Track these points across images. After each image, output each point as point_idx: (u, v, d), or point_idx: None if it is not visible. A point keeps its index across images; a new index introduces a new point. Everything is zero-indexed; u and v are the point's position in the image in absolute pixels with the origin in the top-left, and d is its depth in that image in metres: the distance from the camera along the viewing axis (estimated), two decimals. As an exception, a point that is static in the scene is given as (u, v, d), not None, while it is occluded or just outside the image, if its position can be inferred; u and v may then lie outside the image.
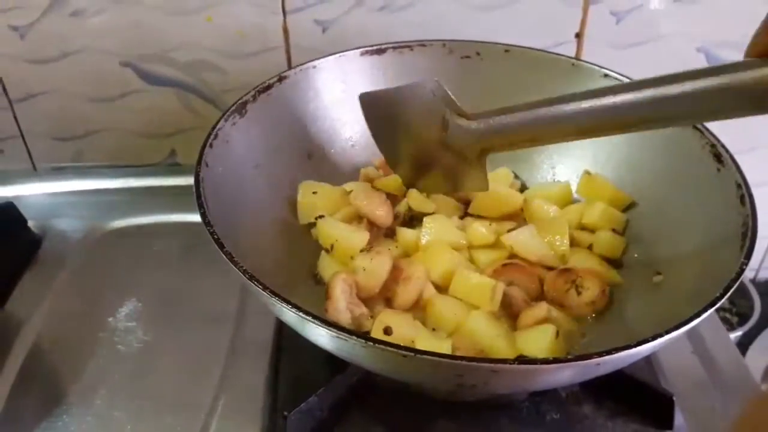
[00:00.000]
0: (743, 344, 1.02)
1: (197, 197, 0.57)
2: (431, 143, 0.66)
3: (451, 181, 0.68)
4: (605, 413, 0.61)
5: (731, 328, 1.05)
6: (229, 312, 0.75)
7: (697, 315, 0.47)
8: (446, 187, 0.70)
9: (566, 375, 0.47)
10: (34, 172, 0.97)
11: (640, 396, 0.60)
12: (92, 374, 0.69)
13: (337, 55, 0.77)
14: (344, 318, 0.59)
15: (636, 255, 0.69)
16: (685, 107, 0.50)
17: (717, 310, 0.50)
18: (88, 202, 0.92)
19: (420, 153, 0.68)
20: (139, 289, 0.78)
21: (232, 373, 0.69)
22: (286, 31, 0.87)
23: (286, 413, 0.57)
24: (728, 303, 1.10)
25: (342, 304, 0.59)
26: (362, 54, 0.78)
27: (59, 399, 0.66)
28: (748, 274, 1.13)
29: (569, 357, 0.43)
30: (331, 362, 0.61)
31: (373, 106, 0.70)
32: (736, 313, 1.09)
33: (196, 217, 0.55)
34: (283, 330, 0.70)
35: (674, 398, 0.59)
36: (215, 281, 0.78)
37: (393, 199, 0.73)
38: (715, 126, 0.66)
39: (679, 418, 0.61)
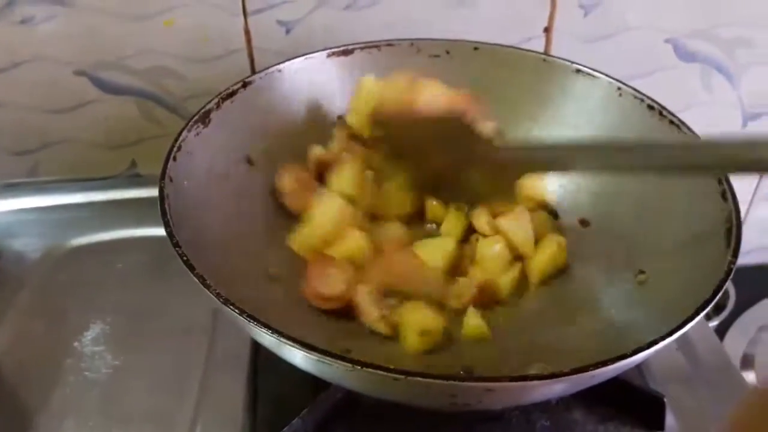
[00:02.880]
0: (719, 332, 1.03)
1: (162, 215, 0.54)
2: (457, 163, 0.65)
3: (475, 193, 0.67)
4: (596, 418, 0.60)
5: (708, 317, 1.06)
6: (201, 326, 0.72)
7: (690, 319, 0.46)
8: (468, 198, 0.69)
9: (560, 388, 0.46)
10: (-13, 188, 0.92)
11: (631, 399, 0.59)
12: (60, 403, 0.65)
13: (303, 57, 0.75)
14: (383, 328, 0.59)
15: (617, 252, 0.67)
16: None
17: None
18: (47, 219, 0.88)
19: (443, 170, 0.66)
20: (105, 309, 0.74)
21: (209, 393, 0.66)
22: (247, 33, 0.84)
23: (267, 438, 0.55)
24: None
25: (375, 312, 0.59)
26: (329, 55, 0.76)
27: (25, 430, 0.63)
28: (721, 262, 1.14)
29: (564, 371, 0.42)
30: (313, 378, 0.59)
31: (387, 125, 0.69)
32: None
33: (161, 231, 0.53)
34: (259, 346, 0.67)
35: (665, 400, 0.58)
36: (185, 296, 0.74)
37: None
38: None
39: (670, 418, 0.60)
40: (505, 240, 0.66)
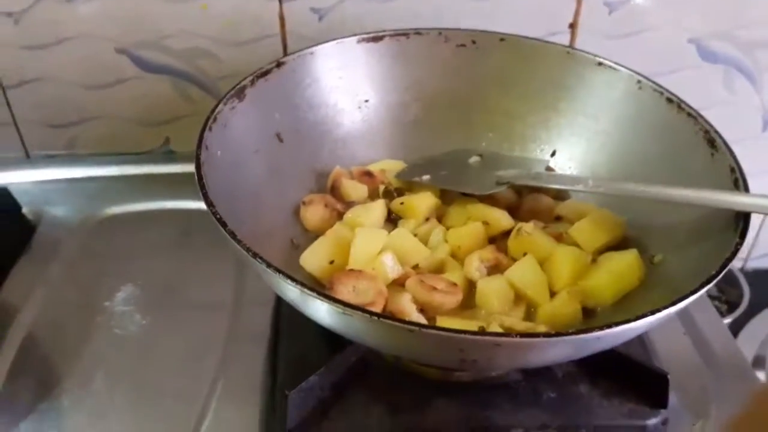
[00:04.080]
0: (732, 332, 1.03)
1: (198, 179, 0.57)
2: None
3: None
4: (600, 392, 0.61)
5: (721, 315, 1.07)
6: (226, 298, 0.75)
7: (695, 291, 0.48)
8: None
9: (567, 349, 0.48)
10: (27, 159, 0.96)
11: (635, 375, 0.61)
12: (90, 359, 0.69)
13: (335, 41, 0.77)
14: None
15: (633, 239, 0.69)
16: None
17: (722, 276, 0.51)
18: (82, 189, 0.92)
19: None
20: (136, 275, 0.78)
21: (231, 356, 0.69)
22: (282, 18, 0.87)
23: (287, 392, 0.57)
24: (717, 291, 1.12)
25: (415, 315, 0.58)
26: (359, 41, 0.79)
27: (57, 384, 0.66)
28: (737, 263, 1.15)
29: (570, 331, 0.44)
30: (330, 343, 0.62)
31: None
32: (726, 301, 1.10)
33: (191, 205, 0.55)
34: (281, 314, 0.71)
35: (668, 377, 0.60)
36: (211, 268, 0.78)
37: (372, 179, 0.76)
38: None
39: (673, 398, 0.62)
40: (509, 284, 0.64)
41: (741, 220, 0.55)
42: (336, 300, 0.46)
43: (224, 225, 0.52)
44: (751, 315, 1.06)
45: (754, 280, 1.10)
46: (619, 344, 0.52)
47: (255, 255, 0.50)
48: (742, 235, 0.54)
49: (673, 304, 0.47)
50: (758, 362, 1.01)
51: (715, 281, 0.50)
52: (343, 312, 0.46)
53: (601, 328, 0.44)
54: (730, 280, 1.08)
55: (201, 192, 0.56)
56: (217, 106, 0.66)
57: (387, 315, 0.45)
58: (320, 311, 0.49)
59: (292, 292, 0.49)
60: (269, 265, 0.49)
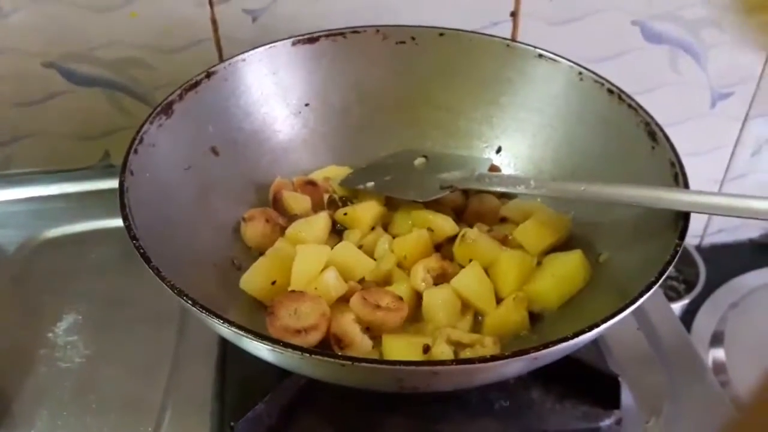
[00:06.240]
0: (691, 311, 1.04)
1: (122, 208, 0.55)
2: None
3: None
4: (553, 397, 0.61)
5: (678, 295, 1.08)
6: (172, 315, 0.73)
7: (635, 300, 0.47)
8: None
9: (508, 370, 0.47)
10: (-40, 182, 0.93)
11: (587, 377, 0.60)
12: (33, 393, 0.66)
13: (267, 46, 0.75)
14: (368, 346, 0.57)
15: (579, 236, 0.69)
16: None
17: (664, 280, 0.50)
18: (20, 211, 0.88)
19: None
20: (79, 300, 0.75)
21: (180, 380, 0.67)
22: (214, 22, 0.84)
23: (232, 423, 0.56)
24: (675, 271, 1.12)
25: (359, 337, 0.57)
26: (294, 44, 0.76)
27: (-1, 420, 0.64)
28: (692, 240, 1.15)
29: (506, 354, 0.43)
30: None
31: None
32: (683, 280, 1.11)
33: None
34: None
35: (620, 379, 0.59)
36: (157, 286, 0.76)
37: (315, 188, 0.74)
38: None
39: (627, 396, 0.61)
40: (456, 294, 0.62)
41: (681, 219, 0.54)
42: (267, 338, 0.45)
43: (148, 261, 0.50)
44: (709, 291, 1.07)
45: (711, 256, 1.11)
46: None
47: (181, 293, 0.48)
48: (682, 236, 0.53)
49: (611, 317, 0.46)
50: (717, 339, 1.02)
51: (656, 286, 0.49)
52: (273, 349, 0.44)
53: (537, 349, 0.43)
54: (687, 258, 1.09)
55: (124, 224, 0.54)
56: (142, 126, 0.64)
57: (318, 351, 0.43)
58: (255, 348, 0.47)
59: (223, 331, 0.47)
60: (195, 303, 0.47)
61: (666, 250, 0.53)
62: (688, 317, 1.03)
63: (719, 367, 0.98)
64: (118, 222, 0.83)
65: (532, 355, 0.43)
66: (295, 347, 0.43)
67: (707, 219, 1.12)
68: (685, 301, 1.03)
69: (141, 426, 0.63)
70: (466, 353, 0.56)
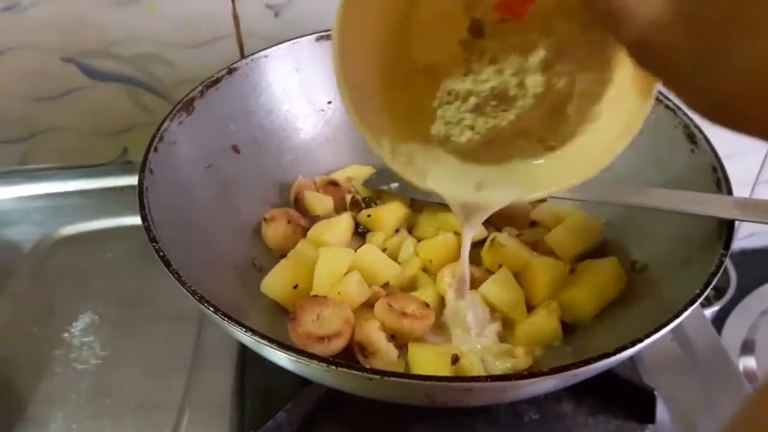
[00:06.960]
0: (720, 318, 1.01)
1: (141, 208, 0.54)
2: None
3: None
4: (585, 410, 0.58)
5: (708, 302, 1.04)
6: (190, 315, 0.71)
7: (678, 315, 0.45)
8: None
9: (544, 386, 0.45)
10: (-23, 178, 0.91)
11: (621, 391, 0.58)
12: (48, 395, 0.65)
13: (290, 42, 0.73)
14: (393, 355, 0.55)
15: (612, 242, 0.66)
16: None
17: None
18: (38, 207, 0.87)
19: None
20: (95, 299, 0.74)
21: (197, 383, 0.65)
22: (236, 17, 0.82)
23: (252, 433, 0.54)
24: (704, 276, 1.09)
25: (384, 346, 0.54)
26: (317, 39, 0.74)
27: (13, 422, 0.62)
28: (724, 245, 1.12)
29: (545, 371, 0.40)
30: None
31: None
32: (714, 287, 1.08)
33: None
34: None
35: (656, 392, 0.56)
36: (175, 285, 0.74)
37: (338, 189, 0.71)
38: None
39: (662, 409, 0.59)
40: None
41: (725, 227, 0.52)
42: (291, 348, 0.42)
43: (168, 264, 0.48)
44: (740, 298, 1.04)
45: (741, 261, 1.08)
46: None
47: (203, 299, 0.46)
48: (727, 245, 0.50)
49: (656, 331, 0.44)
50: (747, 347, 0.99)
51: (701, 299, 0.47)
52: (297, 360, 0.42)
53: (578, 366, 0.41)
54: (718, 265, 1.06)
55: (143, 224, 0.52)
56: (162, 123, 0.62)
57: (345, 363, 0.41)
58: (276, 357, 0.45)
59: (245, 339, 0.45)
60: (217, 310, 0.45)
61: (709, 260, 0.50)
62: (718, 324, 1.00)
63: (750, 376, 0.95)
64: (136, 219, 0.82)
65: (572, 372, 0.41)
66: (320, 359, 0.41)
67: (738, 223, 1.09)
68: (715, 308, 1.00)
69: (158, 429, 0.61)
70: (496, 364, 0.54)
